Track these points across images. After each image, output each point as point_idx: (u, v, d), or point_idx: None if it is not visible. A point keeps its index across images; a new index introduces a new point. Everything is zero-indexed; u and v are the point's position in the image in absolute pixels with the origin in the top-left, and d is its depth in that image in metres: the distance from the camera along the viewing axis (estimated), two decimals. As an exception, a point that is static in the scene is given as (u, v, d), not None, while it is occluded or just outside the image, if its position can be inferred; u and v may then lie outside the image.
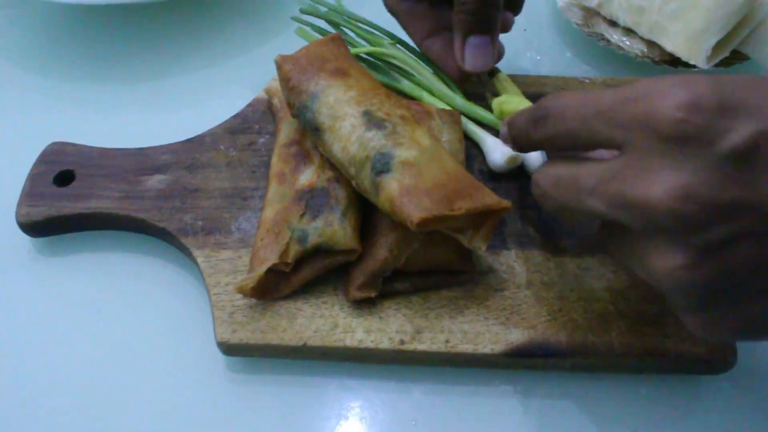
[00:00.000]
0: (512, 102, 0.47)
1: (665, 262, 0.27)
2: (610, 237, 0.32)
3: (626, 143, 0.28)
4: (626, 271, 0.33)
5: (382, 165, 0.36)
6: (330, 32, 0.54)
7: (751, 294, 0.28)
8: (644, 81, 0.28)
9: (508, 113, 0.47)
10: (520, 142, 0.35)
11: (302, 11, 0.54)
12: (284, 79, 0.41)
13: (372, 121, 0.37)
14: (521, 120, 0.34)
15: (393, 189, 0.35)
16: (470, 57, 0.43)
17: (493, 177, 0.46)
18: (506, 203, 0.35)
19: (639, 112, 0.27)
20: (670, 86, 0.26)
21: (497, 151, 0.45)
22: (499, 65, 0.50)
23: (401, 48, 0.52)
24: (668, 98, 0.26)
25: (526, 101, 0.47)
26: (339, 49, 0.42)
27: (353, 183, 0.38)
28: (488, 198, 0.35)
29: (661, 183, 0.26)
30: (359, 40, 0.53)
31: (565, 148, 0.32)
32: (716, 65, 0.52)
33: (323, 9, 0.54)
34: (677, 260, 0.27)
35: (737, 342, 0.31)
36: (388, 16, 0.49)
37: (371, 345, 0.37)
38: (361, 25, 0.53)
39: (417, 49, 0.51)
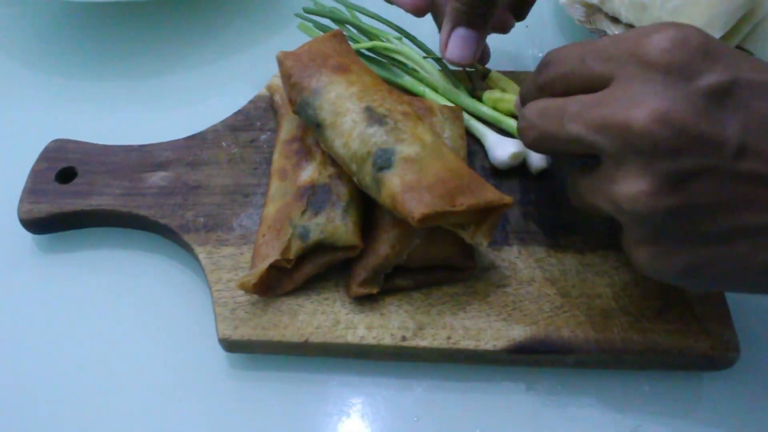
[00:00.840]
0: (507, 100, 0.47)
1: (631, 188, 0.29)
2: (581, 174, 0.34)
3: (616, 75, 0.30)
4: (589, 211, 0.35)
5: (383, 161, 0.36)
6: (332, 28, 0.54)
7: (703, 236, 0.30)
8: (639, 26, 0.30)
9: (502, 110, 0.47)
10: (525, 94, 0.37)
11: (305, 10, 0.54)
12: (286, 76, 0.41)
13: (373, 117, 0.37)
14: (530, 76, 0.36)
15: (394, 185, 0.35)
16: (452, 47, 0.43)
17: (494, 173, 0.46)
18: (508, 199, 0.35)
19: (631, 45, 0.30)
20: (663, 26, 0.30)
21: (499, 148, 0.45)
22: (502, 62, 0.50)
23: (407, 43, 0.52)
24: (659, 33, 0.29)
25: None
26: (341, 46, 0.42)
27: (355, 179, 0.38)
28: (490, 194, 0.35)
29: (642, 107, 0.28)
30: (363, 37, 0.53)
31: (563, 89, 0.33)
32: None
33: (327, 6, 0.54)
34: (642, 186, 0.29)
35: (677, 284, 0.32)
36: (396, 11, 0.49)
37: (373, 341, 0.37)
38: (366, 18, 0.53)
39: (425, 45, 0.51)
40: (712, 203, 0.29)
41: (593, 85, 0.31)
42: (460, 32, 0.42)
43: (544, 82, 0.34)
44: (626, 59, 0.30)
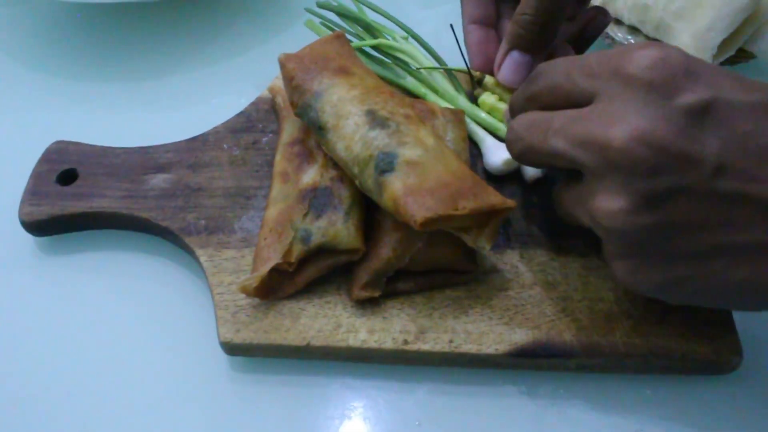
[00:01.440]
0: (501, 109, 0.47)
1: (609, 205, 0.30)
2: (564, 187, 0.35)
3: (599, 92, 0.31)
4: (572, 222, 0.35)
5: (385, 164, 0.35)
6: (340, 25, 0.54)
7: (680, 254, 0.30)
8: (625, 44, 0.30)
9: (497, 118, 0.47)
10: (514, 104, 0.37)
11: (319, 5, 0.54)
12: (288, 78, 0.41)
13: (375, 120, 0.37)
14: (521, 87, 0.37)
15: (397, 188, 0.35)
16: (505, 69, 0.42)
17: (496, 176, 0.45)
18: (511, 202, 0.35)
19: (614, 62, 0.30)
20: (645, 46, 0.30)
21: (495, 153, 0.45)
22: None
23: (413, 42, 0.51)
24: (641, 52, 0.29)
25: None
26: (343, 48, 0.42)
27: (357, 182, 0.38)
28: (493, 197, 0.35)
29: (622, 125, 0.29)
30: (370, 35, 0.53)
31: (549, 102, 0.34)
32: (722, 63, 0.51)
33: (336, 2, 0.54)
34: (621, 203, 0.29)
35: (654, 297, 0.33)
36: (403, 10, 0.48)
37: (375, 345, 0.37)
38: (375, 16, 0.53)
39: (429, 45, 0.51)
40: (690, 222, 0.29)
41: (577, 100, 0.32)
42: (515, 56, 0.41)
43: (532, 94, 0.35)
44: (609, 76, 0.30)
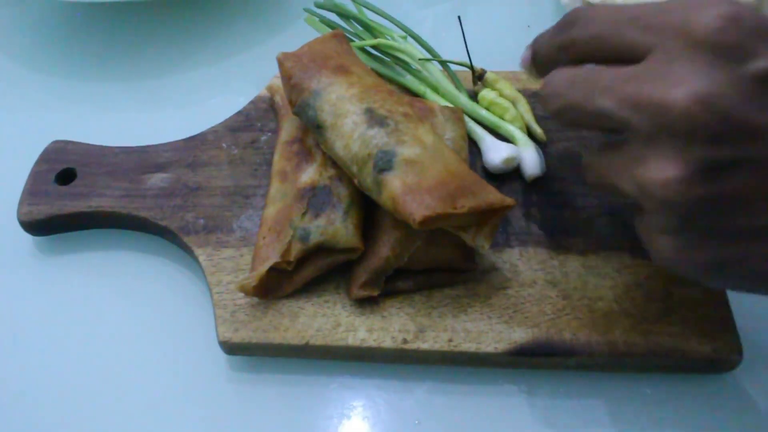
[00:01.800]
0: (501, 104, 0.47)
1: (661, 172, 0.27)
2: (603, 152, 0.31)
3: (654, 48, 0.28)
4: (604, 191, 0.32)
5: (384, 163, 0.35)
6: (339, 24, 0.54)
7: (734, 231, 0.28)
8: None
9: (496, 113, 0.47)
10: (541, 50, 0.34)
11: (317, 5, 0.54)
12: (286, 77, 0.41)
13: (374, 118, 0.37)
14: (548, 30, 0.33)
15: (395, 187, 0.34)
16: None
17: (496, 174, 0.45)
18: (510, 201, 0.35)
19: (676, 18, 0.27)
20: (713, 1, 0.27)
21: (494, 152, 0.44)
22: (502, 61, 0.50)
23: (412, 42, 0.51)
24: (711, 9, 0.26)
25: (522, 98, 0.47)
26: (341, 46, 0.42)
27: (355, 181, 0.38)
28: (491, 196, 0.35)
29: (683, 86, 0.26)
30: (369, 34, 0.53)
31: (588, 54, 0.31)
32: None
33: (335, 1, 0.54)
34: (675, 171, 0.27)
35: (697, 280, 0.30)
36: (402, 8, 0.48)
37: (374, 344, 0.37)
38: (374, 15, 0.53)
39: (428, 43, 0.51)
40: (748, 196, 0.27)
41: (624, 54, 0.29)
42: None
43: (567, 42, 0.31)
44: (669, 33, 0.27)
